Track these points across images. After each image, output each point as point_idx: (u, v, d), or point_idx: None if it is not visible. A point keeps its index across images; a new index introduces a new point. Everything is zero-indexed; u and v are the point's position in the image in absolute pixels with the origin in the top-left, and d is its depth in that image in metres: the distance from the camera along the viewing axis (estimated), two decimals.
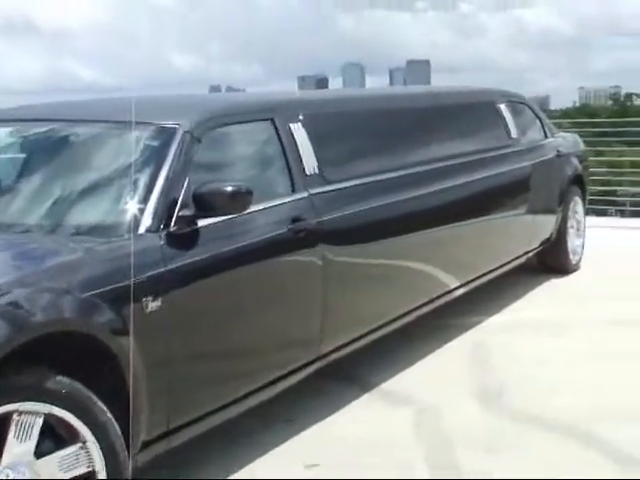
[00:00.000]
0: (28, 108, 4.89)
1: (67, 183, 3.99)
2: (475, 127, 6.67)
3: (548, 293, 7.38)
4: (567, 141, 8.37)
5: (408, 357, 5.65)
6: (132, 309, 3.29)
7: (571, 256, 8.07)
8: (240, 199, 3.78)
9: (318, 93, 5.64)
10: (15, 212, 3.92)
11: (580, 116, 59.14)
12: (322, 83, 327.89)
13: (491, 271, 6.64)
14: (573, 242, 8.17)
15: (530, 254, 7.40)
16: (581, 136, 9.41)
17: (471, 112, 6.70)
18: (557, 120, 14.53)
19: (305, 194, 4.47)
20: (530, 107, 7.85)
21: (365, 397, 5.06)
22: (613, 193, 14.95)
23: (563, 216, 7.83)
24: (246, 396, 4.04)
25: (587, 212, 8.79)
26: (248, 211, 3.98)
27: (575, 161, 8.21)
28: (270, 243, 4.15)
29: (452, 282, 6.05)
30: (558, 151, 7.81)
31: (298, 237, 4.31)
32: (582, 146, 8.81)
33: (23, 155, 4.33)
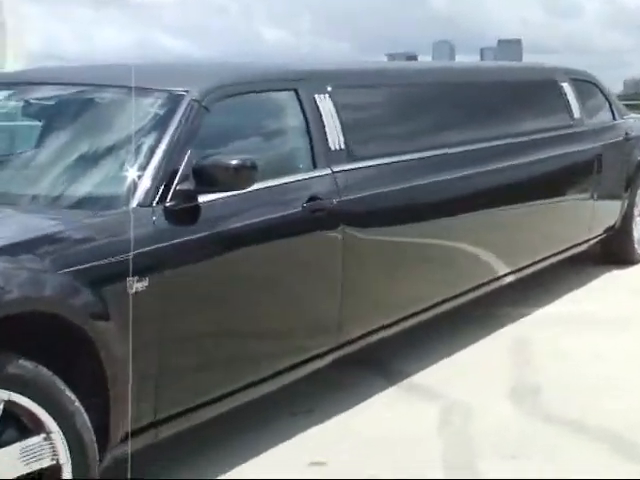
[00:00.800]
0: (30, 72, 4.66)
1: (61, 152, 3.74)
2: (532, 105, 6.25)
3: (608, 284, 6.93)
4: (638, 123, 7.84)
5: (444, 348, 5.30)
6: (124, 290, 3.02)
7: (637, 246, 7.57)
8: (244, 174, 3.48)
9: (354, 64, 5.29)
10: (3, 182, 3.67)
11: None
12: (411, 60, 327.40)
13: (545, 258, 6.25)
14: (639, 230, 7.66)
15: (592, 242, 6.96)
16: None
17: (528, 90, 6.29)
18: None
19: (327, 171, 4.14)
20: (598, 87, 7.37)
21: (391, 390, 4.73)
22: None
23: (630, 203, 7.36)
24: (248, 387, 3.74)
25: None
26: (257, 187, 3.67)
27: None
28: (280, 223, 3.84)
29: (501, 268, 5.70)
30: (627, 134, 7.31)
31: (315, 217, 3.99)
32: None
33: (21, 120, 4.07)
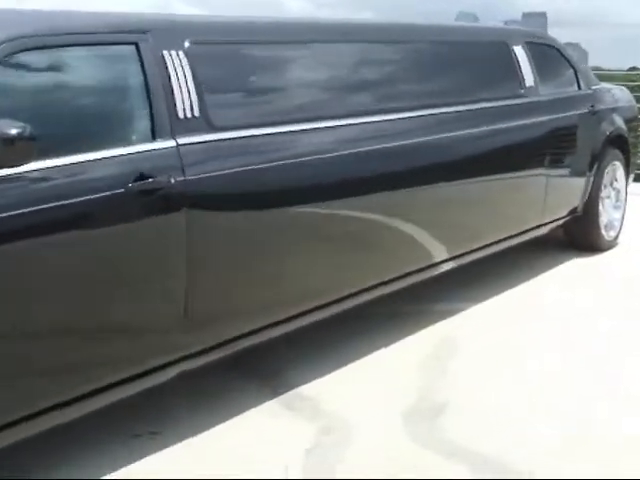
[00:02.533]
0: None
1: None
2: (473, 71, 5.43)
3: (564, 276, 6.12)
4: (609, 95, 6.99)
5: (348, 353, 4.55)
6: None
7: (604, 231, 6.78)
8: (16, 148, 2.73)
9: (233, 17, 4.47)
10: None
11: None
12: None
13: (489, 245, 5.47)
14: (609, 214, 6.88)
15: (549, 226, 6.16)
16: None
17: (469, 52, 5.48)
18: None
19: (169, 143, 3.38)
20: (562, 53, 6.52)
21: (271, 404, 3.97)
22: None
23: (595, 183, 6.55)
24: (70, 403, 3.03)
25: None
26: (56, 164, 2.92)
27: (616, 119, 6.87)
28: (92, 208, 3.08)
29: (432, 255, 4.99)
30: (592, 106, 6.46)
31: (147, 200, 3.23)
32: (631, 102, 7.40)
33: None
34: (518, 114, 5.62)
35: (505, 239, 5.60)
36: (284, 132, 3.87)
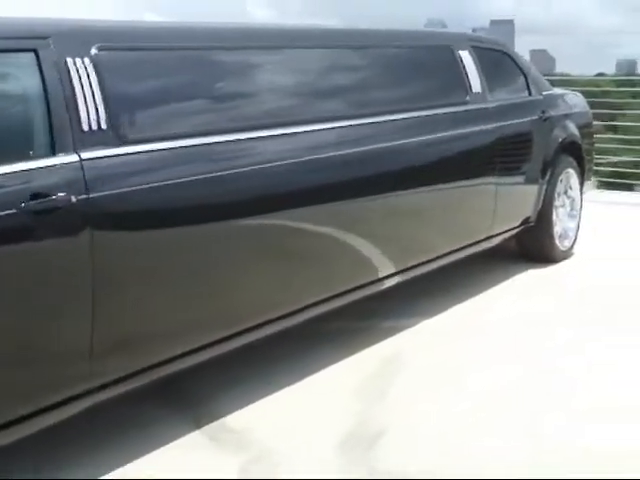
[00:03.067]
0: None
1: None
2: (415, 77, 5.22)
3: (516, 289, 5.90)
4: (561, 101, 6.80)
5: (284, 375, 4.29)
6: None
7: (558, 241, 6.56)
8: None
9: (147, 23, 4.20)
10: None
11: None
12: None
13: (433, 259, 5.23)
14: (563, 224, 6.68)
15: (500, 237, 5.93)
16: None
17: (411, 58, 5.26)
18: None
19: (72, 158, 3.11)
20: (512, 57, 6.31)
21: (194, 435, 3.70)
22: None
23: (548, 191, 6.34)
24: None
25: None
26: None
27: (570, 125, 6.67)
28: None
29: (374, 270, 4.75)
30: (544, 112, 6.25)
31: (43, 220, 2.95)
32: (585, 107, 7.20)
33: None
34: (464, 121, 5.40)
35: (453, 252, 5.37)
36: (201, 144, 3.61)
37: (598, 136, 8.91)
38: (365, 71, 4.87)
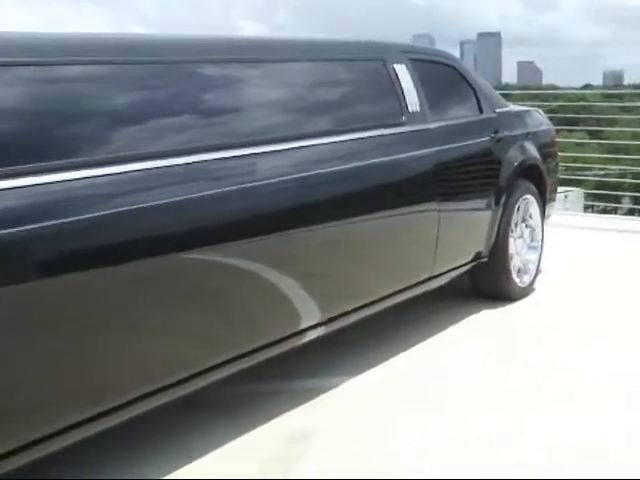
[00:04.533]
0: None
1: None
2: (329, 96, 4.45)
3: (462, 336, 5.14)
4: (519, 119, 6.04)
5: (158, 465, 3.46)
6: None
7: (516, 277, 5.78)
8: None
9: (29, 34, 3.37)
10: None
11: None
12: None
13: (359, 308, 4.42)
14: (522, 257, 5.90)
15: (445, 277, 5.18)
16: None
17: (323, 72, 4.48)
18: None
19: None
20: (459, 71, 5.54)
21: None
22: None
23: (504, 222, 5.59)
24: None
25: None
26: None
27: (528, 146, 5.92)
28: None
29: (291, 321, 4.01)
30: (496, 132, 5.49)
31: None
32: (547, 125, 6.45)
33: None
34: (397, 146, 4.66)
35: (383, 299, 4.58)
36: (81, 178, 2.85)
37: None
38: (274, 89, 4.10)
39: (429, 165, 4.81)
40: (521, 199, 5.80)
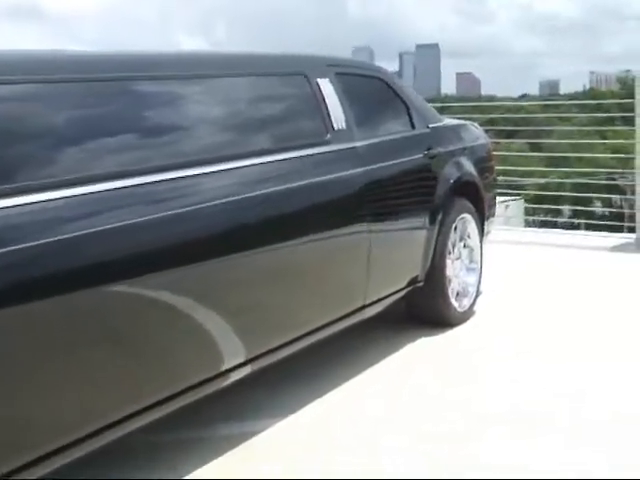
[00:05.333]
0: None
1: None
2: (244, 114, 4.07)
3: (396, 368, 4.78)
4: (454, 134, 5.73)
5: None
6: None
7: (454, 301, 5.46)
8: None
9: None
10: None
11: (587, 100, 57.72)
12: None
13: (285, 344, 4.05)
14: (460, 279, 5.56)
15: (379, 305, 4.82)
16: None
17: (241, 88, 4.10)
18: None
19: None
20: (390, 85, 5.21)
21: None
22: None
23: (440, 243, 5.26)
24: None
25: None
26: None
27: (464, 162, 5.61)
28: None
29: (211, 365, 3.64)
30: (429, 148, 5.16)
31: None
32: (483, 139, 6.15)
33: None
34: (321, 166, 4.31)
35: (312, 332, 4.22)
36: None
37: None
38: (179, 109, 3.71)
39: (356, 186, 4.47)
40: (458, 218, 5.49)
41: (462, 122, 6.29)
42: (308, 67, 4.54)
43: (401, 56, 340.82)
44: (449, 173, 5.38)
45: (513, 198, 29.72)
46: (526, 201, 28.39)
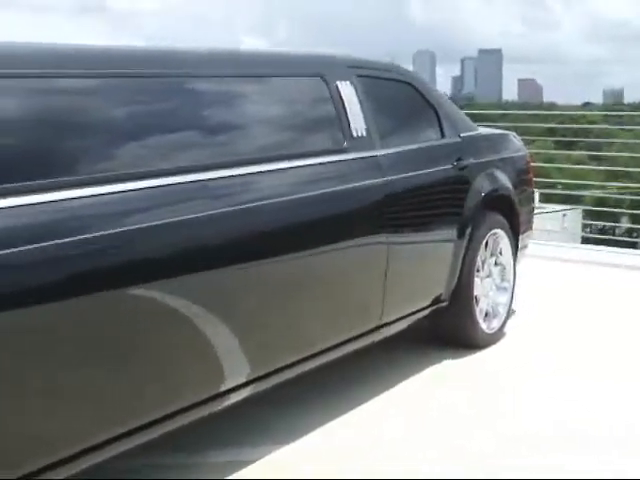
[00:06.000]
0: None
1: None
2: (256, 118, 3.80)
3: (419, 391, 4.45)
4: (488, 144, 5.39)
5: None
6: None
7: (482, 322, 5.11)
8: None
9: None
10: None
11: None
12: None
13: (290, 365, 3.76)
14: (490, 299, 5.23)
15: (397, 326, 4.53)
16: None
17: (253, 91, 3.83)
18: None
19: None
20: (418, 89, 4.88)
21: None
22: None
23: (467, 261, 4.94)
24: None
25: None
26: None
27: (498, 174, 5.27)
28: None
29: (210, 384, 3.38)
30: (459, 159, 4.83)
31: None
32: (521, 150, 5.80)
33: None
34: (336, 177, 4.01)
35: (319, 353, 3.92)
36: None
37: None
38: (187, 109, 3.44)
39: (374, 197, 4.18)
40: (489, 234, 5.15)
41: (499, 132, 5.95)
42: (326, 68, 4.25)
43: (463, 61, 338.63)
44: (481, 185, 5.04)
45: (571, 207, 29.10)
46: (584, 213, 27.77)
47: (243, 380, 3.53)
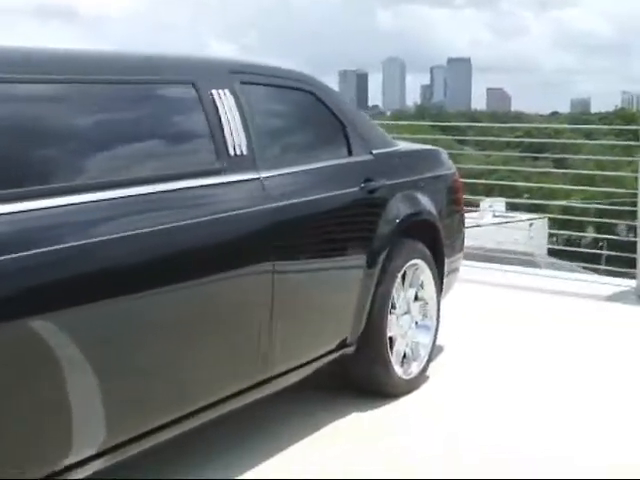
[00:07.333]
0: None
1: None
2: (102, 134, 3.07)
3: (311, 453, 3.73)
4: (407, 161, 4.70)
5: None
6: None
7: (398, 367, 4.42)
8: None
9: None
10: None
11: (617, 120, 56.44)
12: (362, 79, 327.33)
13: (151, 431, 3.04)
14: (409, 340, 4.54)
15: (290, 376, 3.82)
16: None
17: (99, 99, 3.09)
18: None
19: None
20: (322, 99, 4.18)
21: None
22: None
23: (379, 296, 4.21)
24: None
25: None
26: None
27: (418, 197, 4.59)
28: None
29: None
30: (368, 180, 4.14)
31: None
32: (448, 168, 5.11)
33: None
34: (204, 204, 3.30)
35: (178, 420, 3.19)
36: None
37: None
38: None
39: (256, 228, 3.46)
40: (407, 265, 4.45)
41: (423, 147, 5.28)
42: (200, 74, 3.54)
43: (432, 70, 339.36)
44: (396, 210, 4.35)
45: (538, 216, 28.58)
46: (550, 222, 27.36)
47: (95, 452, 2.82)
